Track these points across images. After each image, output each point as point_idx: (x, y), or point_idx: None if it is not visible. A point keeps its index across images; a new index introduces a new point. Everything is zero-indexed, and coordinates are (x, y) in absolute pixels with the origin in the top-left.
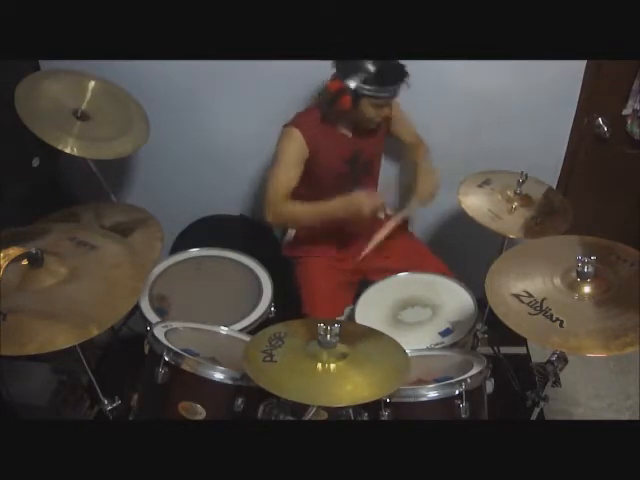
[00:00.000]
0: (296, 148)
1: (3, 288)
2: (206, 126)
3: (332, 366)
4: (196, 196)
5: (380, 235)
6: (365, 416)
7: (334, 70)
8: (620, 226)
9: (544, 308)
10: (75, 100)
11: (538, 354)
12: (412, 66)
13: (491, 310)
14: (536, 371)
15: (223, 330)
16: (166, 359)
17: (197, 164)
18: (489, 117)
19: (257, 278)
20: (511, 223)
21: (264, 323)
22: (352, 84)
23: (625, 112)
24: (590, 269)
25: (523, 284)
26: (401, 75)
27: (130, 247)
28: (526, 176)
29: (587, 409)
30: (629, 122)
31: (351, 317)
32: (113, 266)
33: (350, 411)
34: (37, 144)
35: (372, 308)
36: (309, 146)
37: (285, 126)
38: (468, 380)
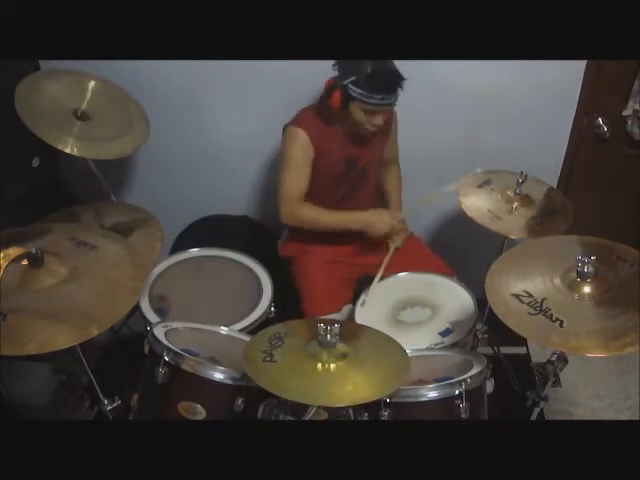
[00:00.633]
0: (303, 149)
1: (3, 288)
2: (206, 126)
3: (332, 366)
4: (196, 196)
5: (379, 275)
6: (365, 416)
7: (334, 65)
8: (620, 226)
9: (544, 308)
10: (75, 100)
11: (538, 354)
12: (412, 66)
13: (491, 310)
14: (536, 371)
15: (223, 330)
16: (166, 359)
17: (197, 164)
18: (489, 117)
19: (257, 278)
20: (511, 223)
21: (264, 323)
22: (343, 81)
23: (625, 113)
24: (590, 269)
25: (523, 284)
26: (393, 85)
27: (130, 247)
28: (526, 176)
29: (587, 409)
30: (629, 122)
31: (351, 317)
32: (113, 266)
33: (350, 411)
34: (37, 144)
35: (372, 308)
36: (314, 145)
37: (288, 125)
38: (468, 380)
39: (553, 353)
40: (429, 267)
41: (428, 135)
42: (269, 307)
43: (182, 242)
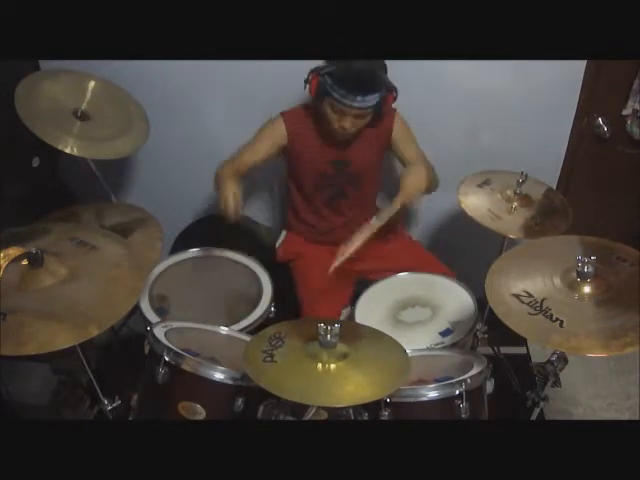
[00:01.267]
0: (273, 131)
1: (3, 288)
2: (206, 126)
3: (332, 366)
4: (196, 196)
5: (359, 239)
6: (365, 416)
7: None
8: (620, 226)
9: (544, 308)
10: (75, 100)
11: (538, 354)
12: (412, 66)
13: (491, 310)
14: (536, 371)
15: (223, 330)
16: (166, 359)
17: (197, 164)
18: (489, 117)
19: (257, 278)
20: (511, 223)
21: (264, 323)
22: (321, 70)
23: (625, 112)
24: (590, 269)
25: (523, 284)
26: (363, 87)
27: (130, 247)
28: (526, 176)
29: (587, 409)
30: (629, 122)
31: (351, 317)
32: (113, 266)
33: (350, 411)
34: (37, 144)
35: (372, 308)
36: (289, 135)
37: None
38: (468, 380)
39: (553, 353)
40: (429, 269)
41: (428, 135)
42: (269, 307)
43: (182, 242)
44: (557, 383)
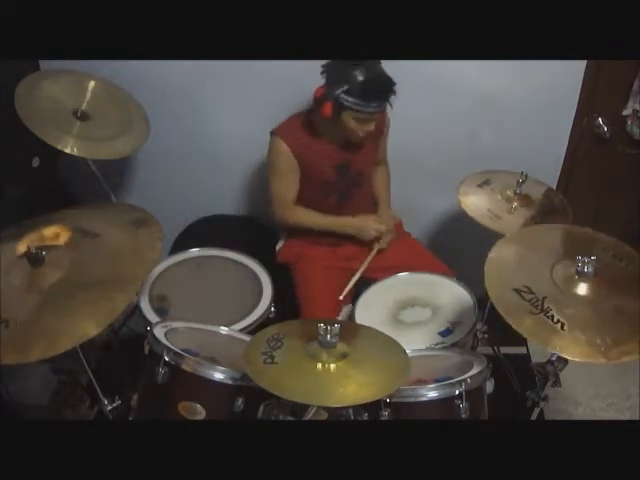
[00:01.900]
0: (284, 159)
1: (4, 293)
2: (206, 126)
3: (332, 366)
4: (196, 196)
5: (357, 274)
6: (365, 416)
7: (322, 74)
8: (620, 226)
9: (545, 308)
10: (75, 100)
11: (538, 354)
12: (413, 66)
13: (491, 310)
14: (536, 371)
15: (223, 330)
16: (166, 359)
17: (197, 164)
18: (489, 117)
19: (257, 278)
20: (511, 223)
21: (264, 323)
22: (334, 92)
23: (625, 112)
24: (590, 269)
25: (523, 279)
26: (386, 92)
27: (133, 234)
28: (526, 176)
29: (587, 409)
30: (629, 122)
31: (351, 317)
32: (115, 253)
33: (350, 411)
34: (37, 144)
35: (372, 308)
36: (296, 156)
37: (272, 134)
38: (468, 380)
39: (553, 353)
40: (429, 269)
41: (428, 135)
42: (269, 307)
43: (182, 242)
44: (557, 383)
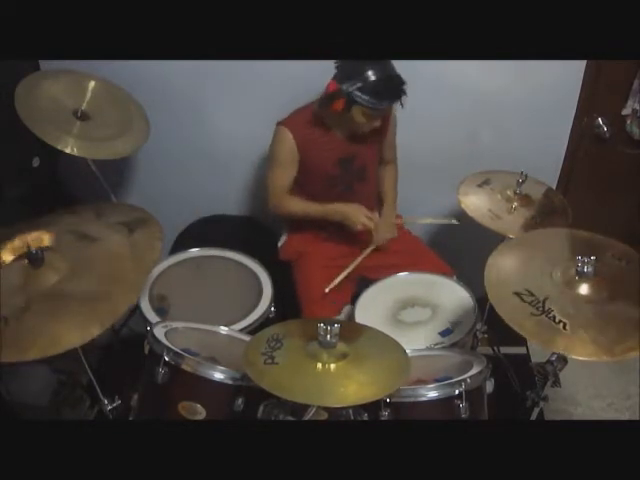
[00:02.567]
0: (287, 150)
1: (4, 291)
2: (206, 126)
3: (332, 366)
4: (196, 196)
5: (349, 269)
6: (365, 416)
7: (336, 70)
8: (620, 226)
9: (546, 309)
10: (75, 100)
11: (538, 354)
12: (413, 66)
13: (491, 310)
14: (536, 371)
15: (223, 330)
16: (166, 359)
17: (197, 164)
18: (489, 117)
19: (257, 278)
20: (511, 223)
21: (264, 323)
22: (348, 89)
23: (625, 112)
24: (590, 269)
25: (524, 282)
26: (398, 92)
27: (131, 239)
28: (526, 176)
29: (587, 409)
30: (629, 122)
31: (351, 317)
32: (114, 257)
33: (350, 411)
34: (37, 144)
35: (372, 308)
36: (299, 147)
37: (278, 124)
38: (468, 380)
39: (553, 353)
40: (429, 267)
41: (428, 135)
42: (269, 307)
43: (182, 242)
44: (557, 383)
